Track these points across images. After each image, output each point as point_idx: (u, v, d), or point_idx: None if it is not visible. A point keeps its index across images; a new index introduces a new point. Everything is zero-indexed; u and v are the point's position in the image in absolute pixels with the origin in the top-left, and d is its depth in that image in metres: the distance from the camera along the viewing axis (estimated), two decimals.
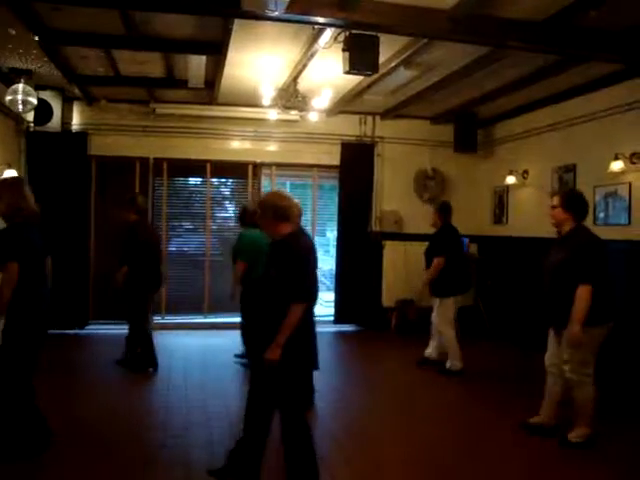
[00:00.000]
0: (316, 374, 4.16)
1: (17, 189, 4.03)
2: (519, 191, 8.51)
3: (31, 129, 8.01)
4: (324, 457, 3.84)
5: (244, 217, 6.34)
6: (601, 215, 6.84)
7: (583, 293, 4.13)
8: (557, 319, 4.37)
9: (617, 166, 6.46)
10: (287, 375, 3.35)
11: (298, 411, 3.45)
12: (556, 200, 4.49)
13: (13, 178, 4.29)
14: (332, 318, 9.20)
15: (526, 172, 8.32)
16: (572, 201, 4.48)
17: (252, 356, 3.69)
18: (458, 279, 6.51)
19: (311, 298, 3.45)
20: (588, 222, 6.82)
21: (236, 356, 6.61)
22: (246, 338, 6.23)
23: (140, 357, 6.26)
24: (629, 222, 6.40)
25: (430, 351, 6.80)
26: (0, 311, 3.75)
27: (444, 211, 6.66)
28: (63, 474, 3.71)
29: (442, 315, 6.51)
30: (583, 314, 4.11)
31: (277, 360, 3.26)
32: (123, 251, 6.21)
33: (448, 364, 6.47)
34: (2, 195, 3.95)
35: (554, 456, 4.22)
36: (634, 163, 6.36)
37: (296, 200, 3.87)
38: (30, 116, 7.77)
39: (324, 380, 6.31)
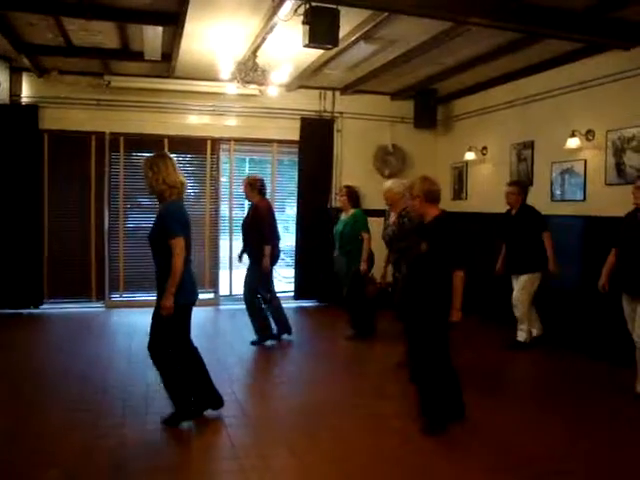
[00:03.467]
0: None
1: (170, 164, 4.04)
2: (478, 167, 8.59)
3: None
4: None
5: (357, 199, 6.98)
6: (557, 191, 6.97)
7: None
8: None
9: (573, 143, 6.57)
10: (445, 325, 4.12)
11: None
12: None
13: (163, 154, 4.19)
14: (292, 294, 9.21)
15: (485, 148, 8.41)
16: None
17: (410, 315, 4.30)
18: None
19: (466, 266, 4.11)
20: (544, 198, 7.06)
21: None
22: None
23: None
24: (584, 198, 6.54)
25: (535, 332, 6.55)
26: (175, 284, 3.87)
27: (526, 190, 6.51)
28: None
29: (528, 288, 6.31)
30: None
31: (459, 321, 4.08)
32: (256, 231, 6.39)
33: (524, 337, 6.43)
34: (159, 171, 3.97)
35: None
36: (589, 140, 6.48)
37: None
38: None
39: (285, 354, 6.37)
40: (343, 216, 6.94)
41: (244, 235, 6.65)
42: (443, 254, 4.05)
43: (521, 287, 6.35)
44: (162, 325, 3.99)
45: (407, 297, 4.32)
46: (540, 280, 6.32)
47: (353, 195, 6.91)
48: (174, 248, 3.88)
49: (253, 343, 6.54)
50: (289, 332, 6.77)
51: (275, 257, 6.66)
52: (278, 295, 6.92)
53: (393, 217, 5.91)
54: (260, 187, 6.56)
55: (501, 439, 4.05)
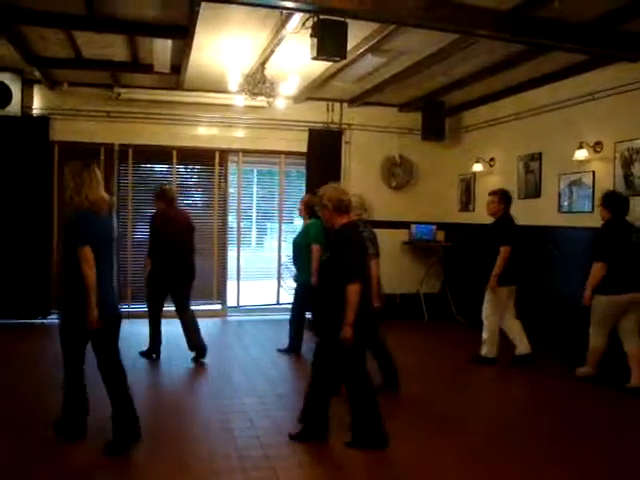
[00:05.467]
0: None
1: (95, 178, 3.84)
2: (486, 179, 8.58)
3: None
4: None
5: (313, 209, 6.42)
6: (565, 203, 6.95)
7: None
8: None
9: (581, 155, 6.57)
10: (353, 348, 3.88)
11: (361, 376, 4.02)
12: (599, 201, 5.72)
13: (90, 164, 3.92)
14: None
15: (493, 160, 8.40)
16: (607, 200, 5.62)
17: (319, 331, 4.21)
18: (516, 268, 6.21)
19: (361, 278, 3.85)
20: (552, 210, 7.04)
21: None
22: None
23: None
24: (592, 210, 6.51)
25: (522, 348, 6.24)
26: (92, 293, 3.62)
27: (507, 200, 6.33)
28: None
29: (492, 301, 6.19)
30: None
31: (351, 338, 3.78)
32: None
33: (484, 351, 6.30)
34: (68, 182, 3.81)
35: None
36: (597, 152, 6.47)
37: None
38: None
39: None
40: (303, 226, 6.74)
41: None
42: (341, 264, 3.87)
43: (485, 300, 6.25)
44: (66, 344, 3.87)
45: (316, 310, 4.15)
46: (512, 293, 6.21)
47: (310, 205, 6.47)
48: (81, 258, 3.64)
49: (142, 354, 6.43)
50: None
51: (179, 276, 6.25)
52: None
53: None
54: (168, 198, 6.32)
55: None
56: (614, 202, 5.57)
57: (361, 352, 4.03)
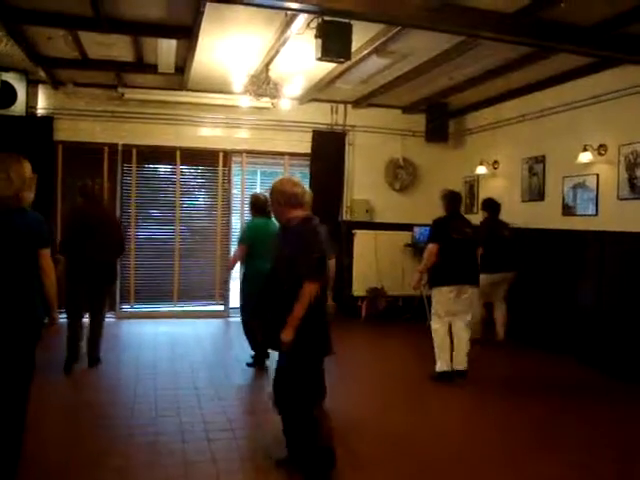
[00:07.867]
0: None
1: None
2: (489, 181, 8.57)
3: None
4: None
5: (258, 208, 6.03)
6: (569, 206, 6.93)
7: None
8: None
9: (585, 157, 6.56)
10: (300, 362, 3.44)
11: (308, 404, 3.48)
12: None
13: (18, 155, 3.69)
14: None
15: (496, 162, 8.39)
16: (485, 204, 7.52)
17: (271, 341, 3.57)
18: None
19: (320, 278, 3.44)
20: (556, 212, 7.04)
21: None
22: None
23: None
24: (596, 213, 6.50)
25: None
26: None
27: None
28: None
29: (433, 305, 5.83)
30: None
31: (291, 341, 3.29)
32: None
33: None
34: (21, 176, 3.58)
35: None
36: (602, 155, 6.46)
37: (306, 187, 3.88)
38: None
39: None
40: None
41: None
42: (300, 260, 3.42)
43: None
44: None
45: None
46: (441, 296, 5.69)
47: (253, 203, 6.10)
48: (48, 259, 3.51)
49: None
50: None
51: (98, 274, 5.94)
52: None
53: None
54: (84, 192, 5.95)
55: None
56: (489, 205, 7.38)
57: (316, 367, 3.61)
